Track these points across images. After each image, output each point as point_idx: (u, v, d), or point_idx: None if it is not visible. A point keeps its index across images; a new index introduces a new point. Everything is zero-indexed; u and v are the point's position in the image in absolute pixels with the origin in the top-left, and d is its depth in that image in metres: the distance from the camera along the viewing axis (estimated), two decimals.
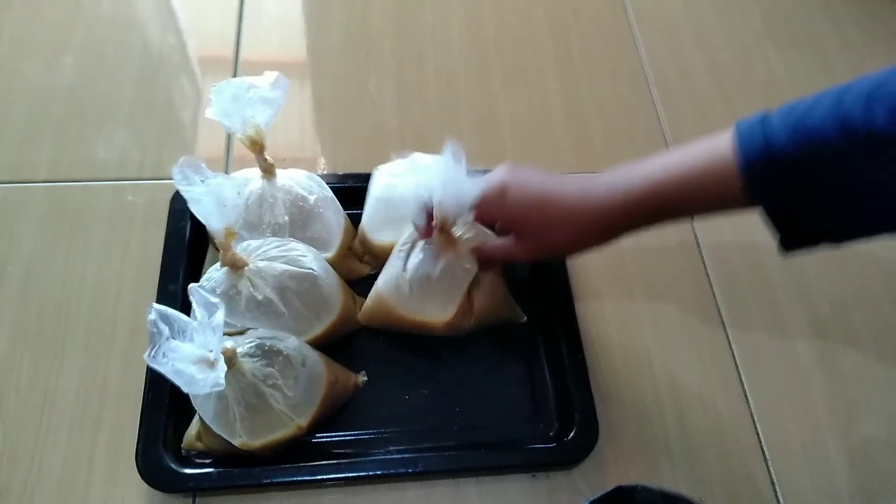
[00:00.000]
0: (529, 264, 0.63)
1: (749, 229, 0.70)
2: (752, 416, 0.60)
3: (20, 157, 0.68)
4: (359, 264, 0.63)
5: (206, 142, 0.71)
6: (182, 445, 0.52)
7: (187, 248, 0.59)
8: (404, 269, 0.54)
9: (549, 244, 0.50)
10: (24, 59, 0.75)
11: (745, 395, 0.61)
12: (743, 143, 0.40)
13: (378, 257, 0.61)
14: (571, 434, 0.53)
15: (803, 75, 0.82)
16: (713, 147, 0.42)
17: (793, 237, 0.42)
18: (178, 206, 0.60)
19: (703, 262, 0.68)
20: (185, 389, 0.41)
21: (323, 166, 0.71)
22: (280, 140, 0.71)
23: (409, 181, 0.57)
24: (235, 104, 0.52)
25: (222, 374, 0.41)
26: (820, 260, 0.68)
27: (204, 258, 0.61)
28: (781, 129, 0.39)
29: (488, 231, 0.56)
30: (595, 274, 0.65)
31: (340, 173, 0.67)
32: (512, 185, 0.49)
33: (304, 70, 0.78)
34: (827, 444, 0.59)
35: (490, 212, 0.51)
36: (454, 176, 0.48)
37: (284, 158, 0.69)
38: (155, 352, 0.39)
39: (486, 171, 0.51)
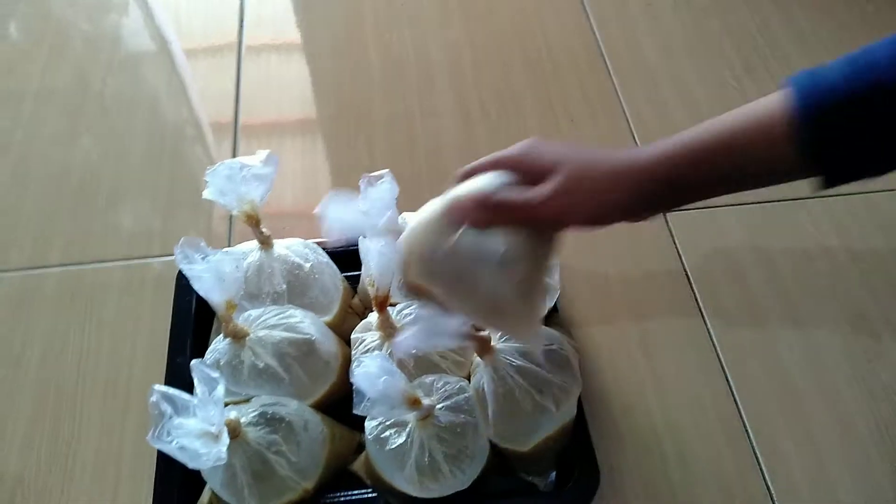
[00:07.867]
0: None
1: (737, 256, 0.71)
2: (754, 451, 0.60)
3: (36, 242, 0.72)
4: (360, 322, 0.65)
5: (213, 212, 0.75)
6: None
7: (193, 321, 0.61)
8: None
9: (585, 198, 0.43)
10: (39, 145, 0.80)
11: (746, 430, 0.61)
12: (797, 82, 0.40)
13: None
14: (572, 482, 0.54)
15: None
16: (761, 102, 0.42)
17: (837, 175, 0.41)
18: (184, 281, 0.63)
19: (693, 291, 0.69)
20: (189, 465, 0.43)
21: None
22: (279, 209, 0.75)
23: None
24: (230, 183, 0.55)
25: (224, 448, 0.43)
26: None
27: (210, 330, 0.63)
28: (837, 68, 0.40)
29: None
30: (585, 311, 0.67)
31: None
32: (542, 140, 0.46)
33: (300, 137, 0.82)
34: (833, 477, 0.59)
35: (519, 160, 0.45)
36: (384, 247, 0.50)
37: (284, 227, 0.73)
38: (159, 432, 0.42)
39: None
